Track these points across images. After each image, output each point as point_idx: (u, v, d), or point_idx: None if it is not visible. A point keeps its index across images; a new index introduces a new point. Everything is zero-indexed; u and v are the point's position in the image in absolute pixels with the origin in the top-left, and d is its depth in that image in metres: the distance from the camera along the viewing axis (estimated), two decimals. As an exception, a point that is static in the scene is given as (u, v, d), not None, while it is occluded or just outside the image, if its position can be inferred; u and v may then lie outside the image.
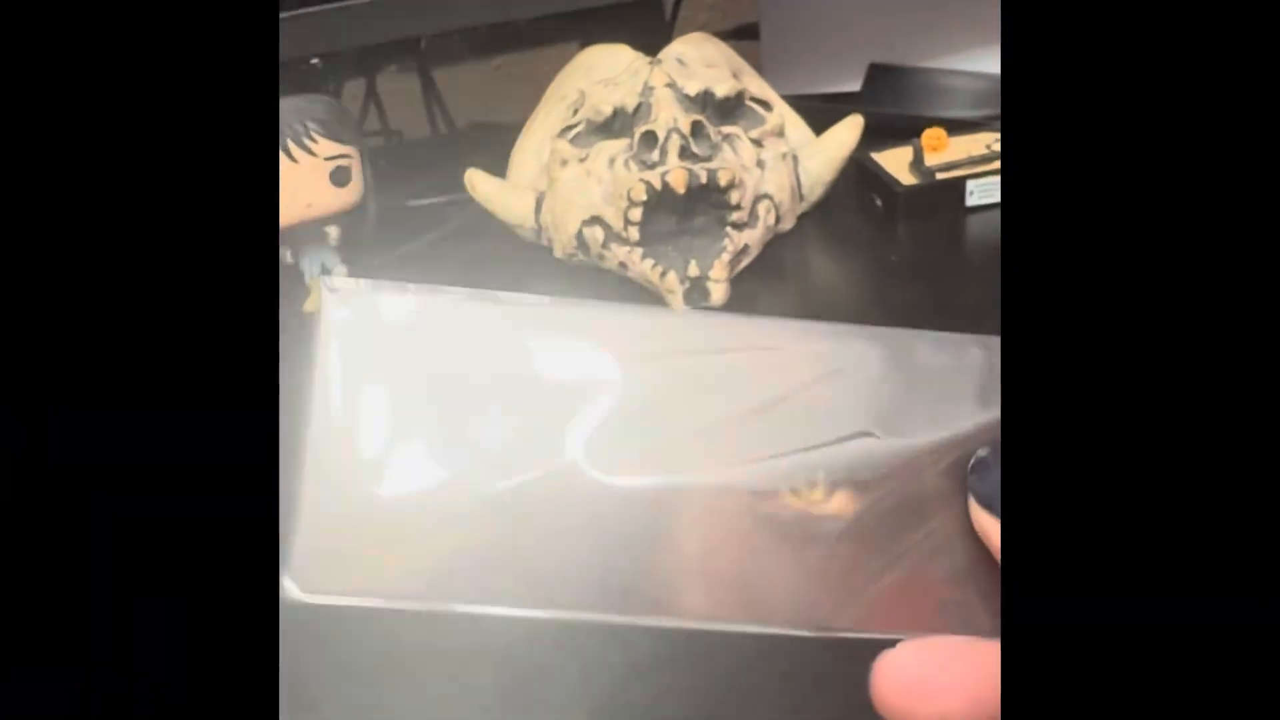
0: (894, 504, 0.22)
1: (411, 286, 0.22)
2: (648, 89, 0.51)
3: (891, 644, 0.20)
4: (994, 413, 0.22)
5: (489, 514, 0.21)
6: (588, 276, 0.54)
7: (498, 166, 0.58)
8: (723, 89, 0.52)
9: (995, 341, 0.22)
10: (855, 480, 0.22)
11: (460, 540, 0.21)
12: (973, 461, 0.21)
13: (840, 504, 0.22)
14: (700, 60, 0.54)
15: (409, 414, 0.22)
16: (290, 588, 0.21)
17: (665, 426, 0.22)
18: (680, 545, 0.22)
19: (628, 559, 0.22)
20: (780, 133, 0.54)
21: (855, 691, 0.20)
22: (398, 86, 0.79)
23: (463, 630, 0.33)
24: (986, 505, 0.21)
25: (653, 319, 0.23)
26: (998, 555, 0.21)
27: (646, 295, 0.52)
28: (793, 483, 0.22)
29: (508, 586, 0.22)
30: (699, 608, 0.22)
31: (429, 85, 0.77)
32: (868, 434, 0.22)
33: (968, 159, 0.56)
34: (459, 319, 0.22)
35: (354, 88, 0.76)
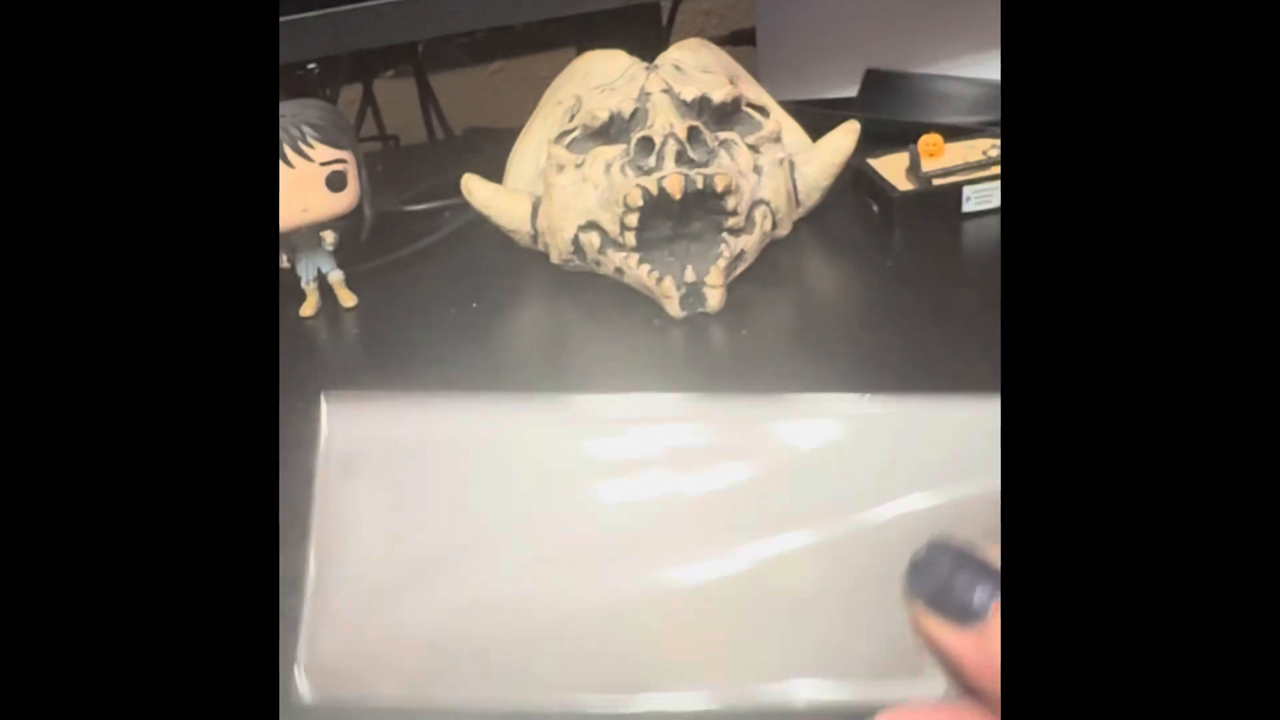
0: (860, 570, 0.22)
1: (401, 398, 0.23)
2: (644, 95, 0.51)
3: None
4: (951, 490, 0.22)
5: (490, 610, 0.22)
6: (584, 281, 0.54)
7: (494, 171, 0.58)
8: (719, 95, 0.52)
9: (971, 406, 0.22)
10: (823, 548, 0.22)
11: (458, 640, 0.22)
12: (912, 559, 0.21)
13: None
14: (697, 66, 0.54)
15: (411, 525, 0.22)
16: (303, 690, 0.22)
17: (641, 520, 0.22)
18: (664, 630, 0.22)
19: (621, 646, 0.22)
20: (777, 138, 0.54)
21: None
22: (394, 91, 0.79)
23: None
24: (932, 605, 0.20)
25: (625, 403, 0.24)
26: (941, 654, 0.20)
27: (643, 300, 0.52)
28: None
29: (501, 680, 0.22)
30: (679, 685, 0.22)
31: (426, 90, 0.77)
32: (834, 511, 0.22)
33: (964, 165, 0.56)
34: (444, 423, 0.23)
35: (350, 92, 0.76)
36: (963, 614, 0.20)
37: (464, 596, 0.22)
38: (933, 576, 0.20)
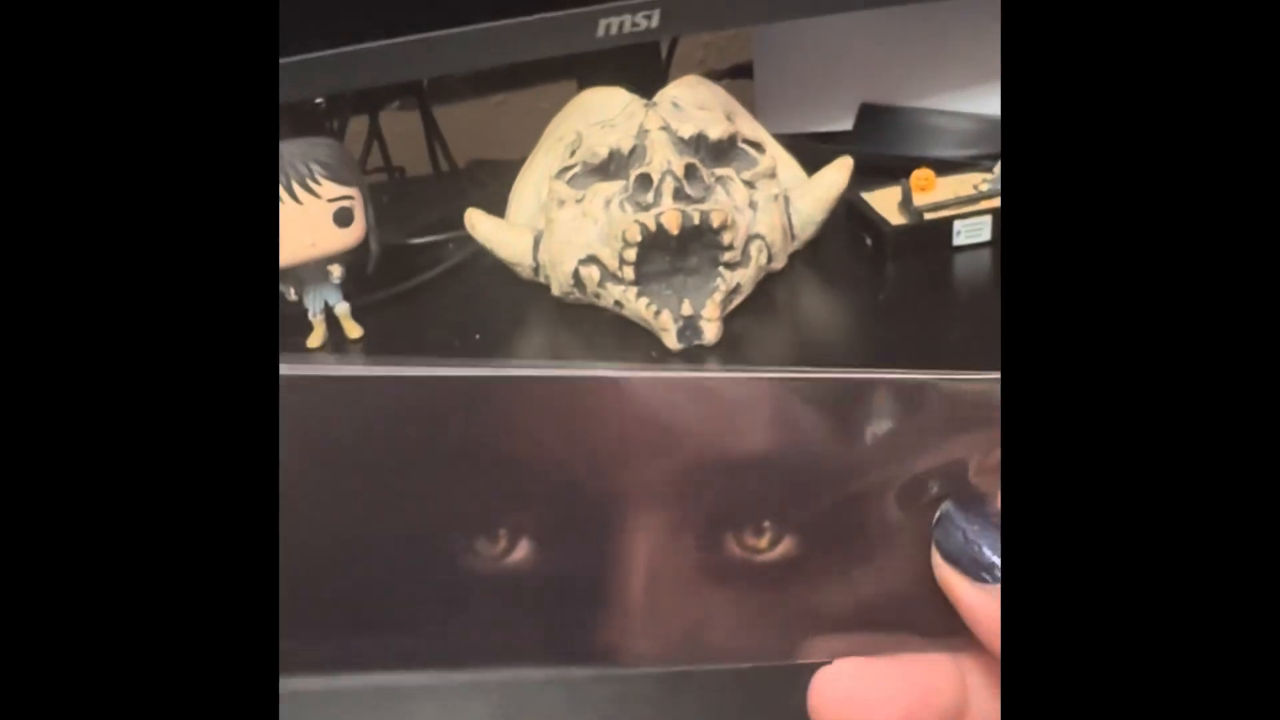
0: (837, 544, 0.22)
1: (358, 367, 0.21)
2: (643, 132, 0.53)
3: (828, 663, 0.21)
4: (943, 452, 0.22)
5: (431, 585, 0.21)
6: (584, 314, 0.55)
7: (497, 204, 0.59)
8: (716, 132, 0.53)
9: (948, 384, 0.22)
10: (800, 524, 0.22)
11: (399, 611, 0.21)
12: (938, 514, 0.22)
13: (785, 550, 0.22)
14: (694, 103, 0.56)
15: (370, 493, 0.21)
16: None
17: (608, 482, 0.21)
18: (627, 596, 0.21)
19: (575, 612, 0.21)
20: (772, 174, 0.55)
21: (796, 711, 0.21)
22: (399, 123, 0.80)
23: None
24: (950, 561, 0.22)
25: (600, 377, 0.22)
26: (959, 607, 0.21)
27: (641, 332, 0.53)
28: (737, 533, 0.22)
29: (452, 650, 0.21)
30: (645, 654, 0.22)
31: (430, 122, 0.79)
32: (811, 476, 0.22)
33: (955, 199, 0.57)
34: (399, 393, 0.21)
35: (357, 124, 0.78)
36: (978, 571, 0.21)
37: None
38: (953, 533, 0.21)
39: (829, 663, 0.21)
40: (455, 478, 0.21)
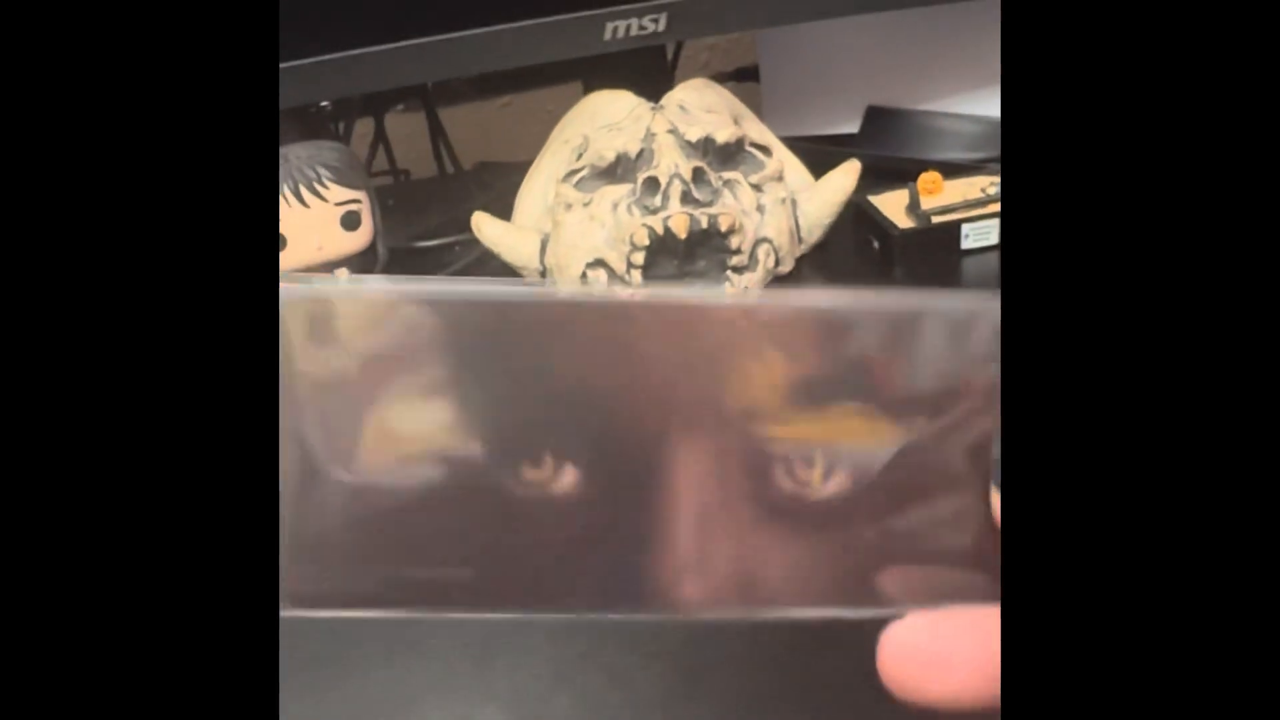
0: (896, 482, 0.21)
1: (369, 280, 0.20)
2: (650, 135, 0.52)
3: (898, 618, 0.20)
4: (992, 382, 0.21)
5: (478, 515, 0.21)
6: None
7: (503, 207, 0.59)
8: (723, 135, 0.53)
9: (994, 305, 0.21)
10: (854, 459, 0.21)
11: (448, 545, 0.21)
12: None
13: (838, 485, 0.21)
14: (701, 106, 0.56)
15: (388, 415, 0.20)
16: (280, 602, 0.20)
17: (651, 415, 0.20)
18: (676, 530, 0.20)
19: (622, 549, 0.21)
20: (779, 177, 0.55)
21: (864, 667, 0.20)
22: (405, 125, 0.80)
23: (469, 678, 0.34)
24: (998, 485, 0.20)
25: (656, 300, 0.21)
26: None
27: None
28: (788, 463, 0.21)
29: (498, 588, 0.21)
30: (696, 599, 0.21)
31: (435, 124, 0.79)
32: (867, 411, 0.21)
33: (963, 202, 0.57)
34: (424, 314, 0.20)
35: (362, 126, 0.78)
36: None
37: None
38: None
39: (896, 615, 0.20)
40: (500, 399, 0.20)
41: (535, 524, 0.21)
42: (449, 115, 0.80)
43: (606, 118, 0.56)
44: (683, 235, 0.50)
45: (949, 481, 0.21)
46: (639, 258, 0.51)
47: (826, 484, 0.21)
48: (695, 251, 0.52)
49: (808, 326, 0.20)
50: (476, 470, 0.20)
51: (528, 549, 0.21)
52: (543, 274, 0.56)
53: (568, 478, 0.20)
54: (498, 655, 0.35)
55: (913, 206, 0.57)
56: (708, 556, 0.21)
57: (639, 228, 0.50)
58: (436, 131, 0.79)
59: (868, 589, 0.21)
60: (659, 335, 0.20)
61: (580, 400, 0.20)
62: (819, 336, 0.20)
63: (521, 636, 0.35)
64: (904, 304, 0.20)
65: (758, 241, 0.53)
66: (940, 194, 0.58)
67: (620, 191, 0.52)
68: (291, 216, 0.51)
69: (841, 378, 0.21)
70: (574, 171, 0.54)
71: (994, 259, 0.56)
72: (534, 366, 0.20)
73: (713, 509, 0.20)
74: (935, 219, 0.56)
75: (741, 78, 0.76)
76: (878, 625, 0.20)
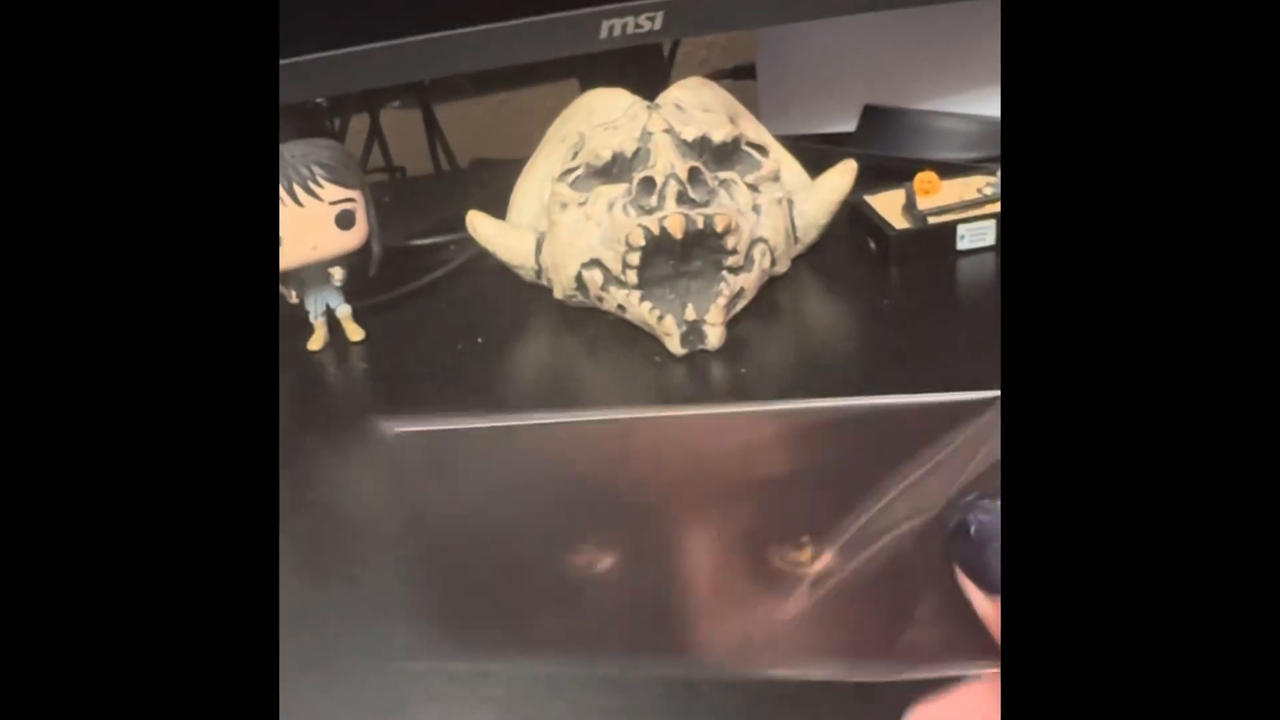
0: (880, 563, 0.23)
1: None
2: (646, 134, 0.52)
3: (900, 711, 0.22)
4: (975, 472, 0.22)
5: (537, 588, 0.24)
6: (587, 317, 0.55)
7: (499, 205, 0.59)
8: (719, 135, 0.53)
9: (984, 406, 0.22)
10: (837, 540, 0.23)
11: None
12: (951, 525, 0.22)
13: (826, 564, 0.23)
14: (697, 105, 0.56)
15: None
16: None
17: (667, 505, 0.24)
18: (692, 604, 0.23)
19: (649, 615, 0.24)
20: (776, 177, 0.55)
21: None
22: (400, 122, 0.80)
23: (464, 683, 0.34)
24: (966, 569, 0.22)
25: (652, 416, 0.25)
26: (979, 615, 0.22)
27: (644, 336, 0.53)
28: (779, 547, 0.23)
29: (511, 640, 0.24)
30: (711, 657, 0.24)
31: (431, 121, 0.78)
32: (840, 495, 0.23)
33: (959, 203, 0.57)
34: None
35: (357, 122, 0.77)
36: (990, 584, 0.21)
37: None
38: (966, 545, 0.22)
39: (890, 682, 0.22)
40: (545, 505, 0.24)
41: (574, 594, 0.24)
42: (445, 112, 0.80)
43: (603, 116, 0.56)
44: (678, 236, 0.49)
45: (926, 561, 0.23)
46: (634, 258, 0.51)
47: (815, 564, 0.23)
48: (691, 252, 0.51)
49: (797, 431, 0.23)
50: (531, 561, 0.24)
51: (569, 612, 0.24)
52: (538, 273, 0.56)
53: (605, 563, 0.24)
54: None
55: (909, 207, 0.57)
56: (718, 621, 0.24)
57: (635, 228, 0.50)
58: (432, 128, 0.79)
59: (862, 656, 0.24)
60: (657, 442, 0.24)
61: (605, 500, 0.24)
62: (810, 440, 0.23)
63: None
64: (897, 406, 0.23)
65: (754, 242, 0.53)
66: (937, 194, 0.58)
67: (616, 191, 0.52)
68: (286, 215, 0.51)
69: (817, 470, 0.23)
70: (569, 170, 0.54)
71: (990, 260, 0.56)
72: (569, 475, 0.24)
73: (721, 583, 0.23)
74: (931, 219, 0.56)
75: (740, 75, 0.76)
76: (873, 689, 0.22)
